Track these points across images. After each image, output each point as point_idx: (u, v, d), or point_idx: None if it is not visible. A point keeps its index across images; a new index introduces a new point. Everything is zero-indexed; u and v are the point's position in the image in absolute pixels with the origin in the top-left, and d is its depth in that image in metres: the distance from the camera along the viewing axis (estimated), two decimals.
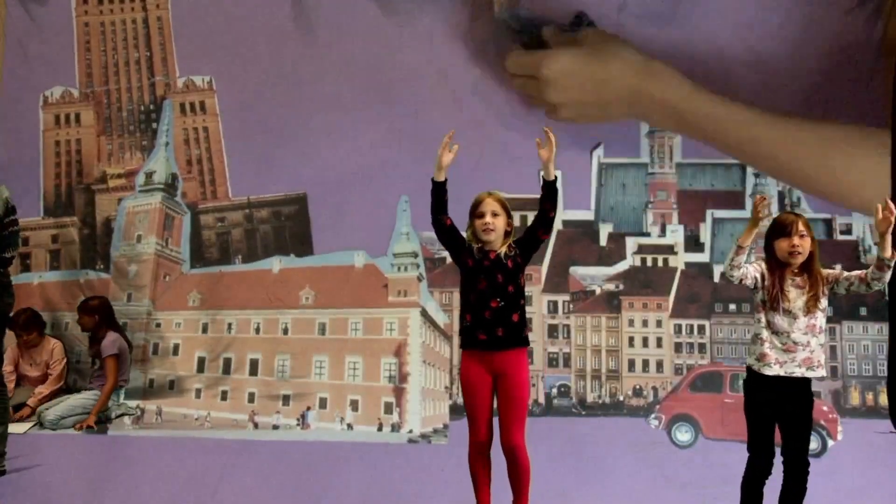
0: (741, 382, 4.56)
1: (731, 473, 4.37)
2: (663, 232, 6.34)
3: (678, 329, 6.27)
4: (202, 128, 6.63)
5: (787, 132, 6.06)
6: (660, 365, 6.24)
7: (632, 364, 6.25)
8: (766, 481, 4.19)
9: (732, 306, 6.31)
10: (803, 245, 4.15)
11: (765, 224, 4.23)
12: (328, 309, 6.36)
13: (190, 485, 5.55)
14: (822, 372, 4.19)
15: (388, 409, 6.14)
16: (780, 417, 4.14)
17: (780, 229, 4.17)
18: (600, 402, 6.19)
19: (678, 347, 6.26)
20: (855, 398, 6.19)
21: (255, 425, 6.14)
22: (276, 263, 6.46)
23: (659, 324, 6.26)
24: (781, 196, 6.35)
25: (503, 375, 4.06)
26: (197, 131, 6.64)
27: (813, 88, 6.17)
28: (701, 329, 6.27)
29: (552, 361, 6.18)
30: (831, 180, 6.06)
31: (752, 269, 4.18)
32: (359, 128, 6.39)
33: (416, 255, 6.35)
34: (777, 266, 4.19)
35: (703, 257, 6.37)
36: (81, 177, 6.73)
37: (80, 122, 6.76)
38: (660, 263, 6.39)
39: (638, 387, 6.21)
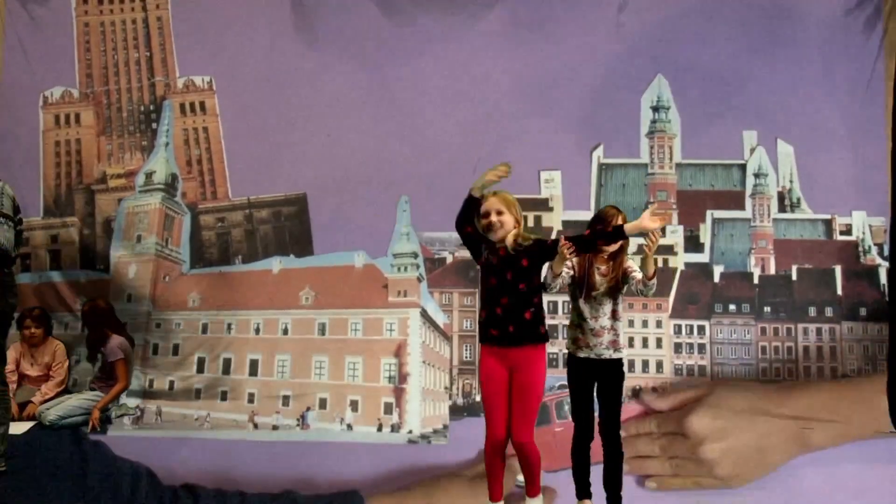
0: (567, 408, 4.71)
1: None
2: (663, 232, 6.27)
3: (678, 329, 6.27)
4: (202, 128, 6.63)
5: None
6: (659, 365, 6.23)
7: (632, 364, 6.23)
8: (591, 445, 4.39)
9: (732, 307, 6.30)
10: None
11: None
12: (328, 309, 6.35)
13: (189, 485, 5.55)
14: (622, 353, 4.40)
15: (388, 409, 6.14)
16: (595, 393, 4.40)
17: (600, 221, 4.32)
18: None
19: (678, 348, 6.26)
20: None
21: (255, 426, 6.14)
22: (275, 264, 6.46)
23: (659, 324, 6.25)
24: (781, 196, 6.34)
25: (516, 371, 4.10)
26: (197, 132, 6.64)
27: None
28: (700, 329, 6.26)
29: (552, 362, 6.13)
30: None
31: (565, 271, 4.32)
32: (359, 128, 6.38)
33: (415, 256, 6.33)
34: (590, 256, 4.35)
35: (702, 258, 6.35)
36: (81, 177, 6.73)
37: (80, 123, 6.75)
38: (659, 264, 6.32)
39: (638, 387, 6.20)
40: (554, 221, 6.24)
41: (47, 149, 6.78)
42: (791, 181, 6.28)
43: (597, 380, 4.36)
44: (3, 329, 5.23)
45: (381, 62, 6.41)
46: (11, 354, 6.13)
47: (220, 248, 6.55)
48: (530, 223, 6.19)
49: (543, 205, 6.29)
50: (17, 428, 5.84)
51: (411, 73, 6.41)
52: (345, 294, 6.37)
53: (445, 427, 6.11)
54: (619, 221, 4.28)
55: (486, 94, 6.32)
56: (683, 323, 6.26)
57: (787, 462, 5.79)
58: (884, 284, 6.16)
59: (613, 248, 4.31)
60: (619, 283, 4.34)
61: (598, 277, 4.33)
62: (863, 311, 6.27)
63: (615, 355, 4.34)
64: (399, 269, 6.34)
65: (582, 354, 4.35)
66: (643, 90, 6.32)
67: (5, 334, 5.25)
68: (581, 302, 4.34)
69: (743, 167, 6.32)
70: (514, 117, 6.21)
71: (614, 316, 4.35)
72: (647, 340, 6.28)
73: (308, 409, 6.17)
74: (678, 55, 6.23)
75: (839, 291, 6.27)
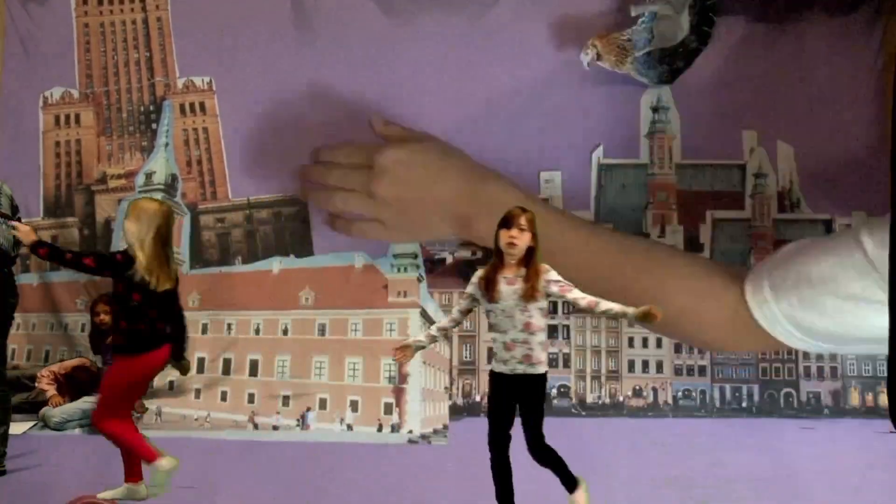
0: None
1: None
2: (663, 233, 6.30)
3: None
4: (202, 128, 6.63)
5: (615, 246, 5.81)
6: (660, 366, 6.24)
7: (632, 365, 6.24)
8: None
9: None
10: (520, 239, 4.11)
11: None
12: (328, 309, 6.35)
13: (189, 486, 5.55)
14: (542, 368, 4.09)
15: (388, 409, 6.14)
16: (515, 407, 4.13)
17: (504, 220, 4.11)
18: (600, 402, 6.20)
19: (678, 348, 6.26)
20: (854, 398, 6.19)
21: (255, 426, 6.15)
22: (276, 264, 6.46)
23: None
24: (781, 196, 6.34)
25: None
26: (197, 132, 6.63)
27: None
28: None
29: (552, 362, 6.15)
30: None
31: (465, 303, 4.19)
32: (358, 129, 6.37)
33: (415, 256, 6.34)
34: (496, 262, 4.18)
35: None
36: (81, 177, 6.72)
37: (80, 123, 6.75)
38: None
39: (638, 387, 6.21)
40: None
41: (47, 149, 6.78)
42: (791, 181, 6.30)
43: (513, 396, 4.09)
44: (4, 329, 5.23)
45: (381, 62, 6.41)
46: None
47: (221, 248, 6.55)
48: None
49: None
50: (17, 428, 5.84)
51: (411, 74, 6.42)
52: (345, 294, 6.37)
53: (445, 427, 6.12)
54: (523, 222, 4.12)
55: (487, 95, 6.33)
56: None
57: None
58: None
59: (520, 249, 4.13)
60: (533, 295, 4.03)
61: (503, 286, 4.16)
62: None
63: (529, 370, 4.03)
64: (399, 269, 6.34)
65: (497, 369, 4.09)
66: (643, 91, 6.31)
67: (6, 334, 5.25)
68: (491, 314, 4.09)
69: (742, 168, 6.31)
70: (514, 117, 6.21)
71: (528, 328, 4.05)
72: (646, 340, 6.28)
73: (308, 409, 6.17)
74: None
75: None
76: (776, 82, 6.13)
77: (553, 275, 4.09)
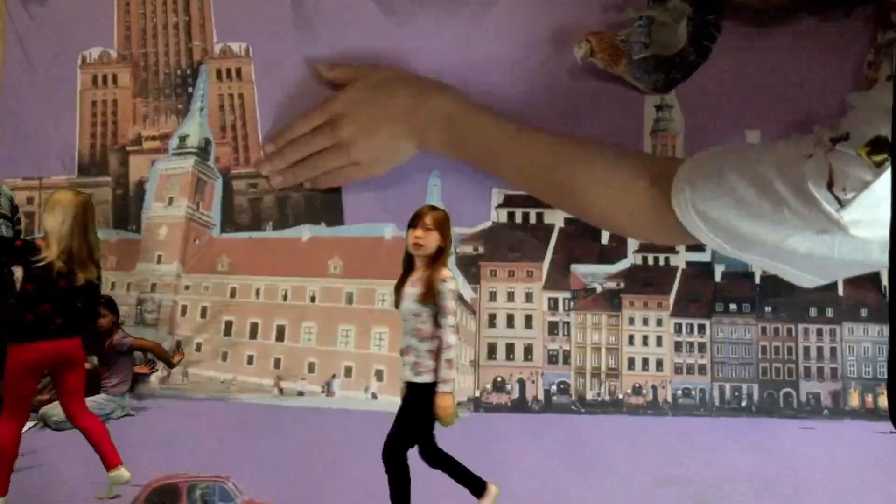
0: (198, 493, 4.81)
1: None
2: None
3: (678, 328, 6.24)
4: (237, 94, 6.63)
5: (552, 146, 5.56)
6: (659, 364, 6.21)
7: (631, 362, 6.22)
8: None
9: (733, 306, 6.26)
10: (426, 239, 4.04)
11: None
12: (356, 279, 6.31)
13: (212, 449, 5.72)
14: (428, 378, 4.14)
15: None
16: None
17: (411, 219, 4.08)
18: (599, 399, 6.17)
19: (678, 346, 6.23)
20: (854, 400, 6.10)
21: (281, 391, 6.16)
22: (305, 232, 6.46)
23: (659, 322, 6.23)
24: None
25: None
26: (232, 98, 6.63)
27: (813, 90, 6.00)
28: (701, 328, 6.24)
29: (552, 359, 6.17)
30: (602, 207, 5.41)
31: None
32: None
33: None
34: (406, 264, 4.10)
35: (704, 257, 6.28)
36: (116, 137, 6.64)
37: (118, 84, 6.80)
38: (661, 262, 6.32)
39: (637, 385, 6.19)
40: (556, 219, 6.16)
41: (84, 109, 6.67)
42: None
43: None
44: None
45: (381, 61, 6.34)
46: None
47: (252, 213, 6.57)
48: (532, 220, 6.21)
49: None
50: None
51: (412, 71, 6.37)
52: (373, 265, 6.25)
53: (469, 400, 6.05)
54: (429, 221, 4.03)
55: (489, 92, 6.25)
56: (684, 321, 6.23)
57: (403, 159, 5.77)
58: (885, 286, 6.04)
59: (426, 250, 4.03)
60: (424, 300, 4.08)
61: (407, 289, 4.06)
62: (864, 313, 6.19)
63: (416, 379, 4.12)
64: None
65: (401, 374, 4.15)
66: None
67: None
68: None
69: None
70: (517, 116, 6.15)
71: (419, 334, 4.10)
72: (647, 338, 6.26)
73: (333, 376, 6.16)
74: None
75: (840, 292, 6.18)
76: (779, 84, 6.01)
77: (450, 284, 4.03)
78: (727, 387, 6.23)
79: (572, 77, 6.16)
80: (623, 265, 6.33)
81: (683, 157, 6.09)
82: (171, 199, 6.62)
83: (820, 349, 6.23)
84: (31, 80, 6.76)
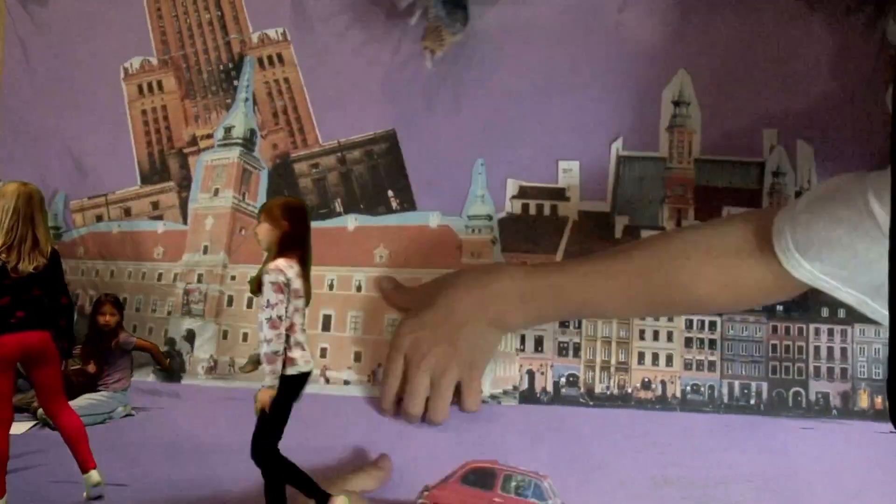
0: (513, 484, 4.76)
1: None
2: (679, 227, 6.24)
3: (689, 324, 6.20)
4: (283, 79, 6.61)
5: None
6: (669, 359, 6.19)
7: (641, 356, 6.20)
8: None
9: None
10: (259, 230, 4.06)
11: None
12: (401, 268, 6.27)
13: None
14: (269, 368, 4.04)
15: None
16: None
17: (261, 210, 4.12)
18: (608, 393, 6.15)
19: (688, 342, 6.22)
20: (864, 401, 6.08)
21: (327, 380, 6.14)
22: (351, 221, 6.42)
23: (670, 318, 6.19)
24: (799, 195, 6.08)
25: None
26: (278, 83, 6.61)
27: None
28: (712, 325, 6.21)
29: (562, 351, 6.17)
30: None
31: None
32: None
33: (490, 218, 6.23)
34: None
35: None
36: (172, 142, 6.75)
37: (164, 89, 6.80)
38: None
39: (647, 379, 6.19)
40: (570, 211, 6.21)
41: (135, 119, 6.79)
42: (809, 181, 6.16)
43: None
44: None
45: None
46: None
47: (319, 193, 6.51)
48: (546, 212, 6.24)
49: (560, 194, 6.23)
50: (17, 428, 5.77)
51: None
52: (418, 254, 6.26)
53: (515, 388, 6.05)
54: (263, 212, 4.02)
55: (511, 84, 6.28)
56: (695, 318, 6.19)
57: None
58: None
59: (263, 242, 4.01)
60: (254, 289, 4.00)
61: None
62: None
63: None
64: (473, 230, 6.22)
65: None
66: (665, 84, 6.22)
67: None
68: None
69: (761, 165, 6.20)
70: (534, 108, 6.18)
71: (261, 328, 3.97)
72: (657, 333, 6.22)
73: (379, 365, 6.07)
74: (702, 50, 6.16)
75: None
76: (798, 82, 6.04)
77: (273, 276, 4.02)
78: (736, 384, 6.21)
79: (591, 70, 6.12)
80: None
81: (700, 154, 6.22)
82: (216, 190, 6.67)
83: (830, 349, 6.21)
84: (32, 81, 6.82)
